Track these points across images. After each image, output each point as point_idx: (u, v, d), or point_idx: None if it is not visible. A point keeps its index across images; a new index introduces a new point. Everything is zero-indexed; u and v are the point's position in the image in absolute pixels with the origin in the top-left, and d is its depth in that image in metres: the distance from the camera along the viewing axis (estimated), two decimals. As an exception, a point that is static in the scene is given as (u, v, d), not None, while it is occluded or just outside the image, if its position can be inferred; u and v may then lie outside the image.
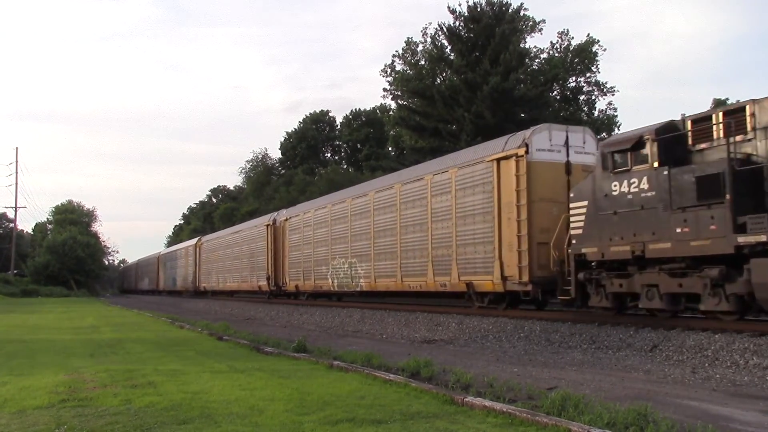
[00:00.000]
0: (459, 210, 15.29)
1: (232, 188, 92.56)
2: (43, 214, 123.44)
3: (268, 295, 29.41)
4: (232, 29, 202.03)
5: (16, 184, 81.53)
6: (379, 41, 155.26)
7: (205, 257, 41.27)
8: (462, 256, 15.22)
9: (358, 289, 20.17)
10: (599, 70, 47.00)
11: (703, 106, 66.01)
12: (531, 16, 44.17)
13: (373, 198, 19.55)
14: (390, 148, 53.87)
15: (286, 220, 27.10)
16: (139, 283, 72.74)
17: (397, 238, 17.89)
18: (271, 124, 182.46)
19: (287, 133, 72.10)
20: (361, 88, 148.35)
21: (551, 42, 48.06)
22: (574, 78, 46.55)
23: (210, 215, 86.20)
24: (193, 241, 46.79)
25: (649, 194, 10.43)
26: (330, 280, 22.27)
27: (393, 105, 49.47)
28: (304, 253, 24.70)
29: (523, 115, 35.40)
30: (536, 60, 43.56)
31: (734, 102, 10.88)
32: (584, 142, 14.10)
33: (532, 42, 50.46)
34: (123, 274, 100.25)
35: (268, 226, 29.06)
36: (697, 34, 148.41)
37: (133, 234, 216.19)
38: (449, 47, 40.39)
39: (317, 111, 73.46)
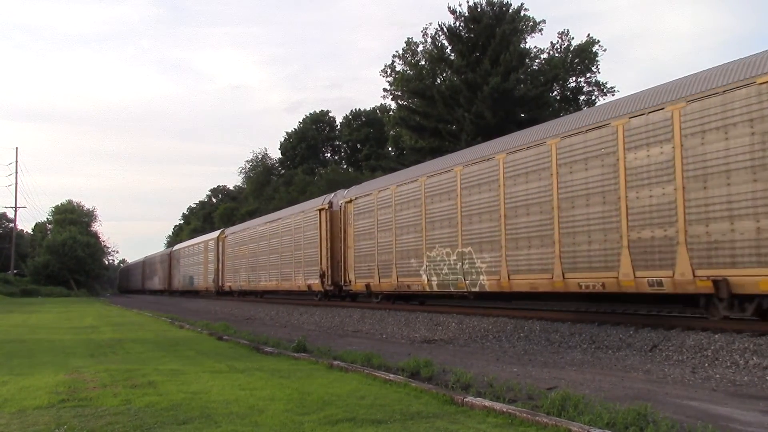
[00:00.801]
0: (692, 164, 9.99)
1: (232, 188, 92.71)
2: (43, 214, 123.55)
3: (319, 296, 24.29)
4: (232, 29, 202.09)
5: (16, 184, 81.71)
6: (380, 41, 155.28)
7: (230, 252, 35.73)
8: (698, 237, 9.91)
9: (477, 289, 14.87)
10: (599, 71, 47.13)
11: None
12: (531, 16, 44.34)
13: (503, 162, 13.99)
14: (390, 148, 53.88)
15: (350, 201, 21.18)
16: (147, 282, 67.29)
17: (553, 215, 12.60)
18: (271, 125, 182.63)
19: (287, 133, 72.25)
20: (362, 88, 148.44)
21: (551, 42, 48.17)
22: (574, 78, 46.61)
23: (210, 215, 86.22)
24: (215, 233, 40.60)
25: None
26: (424, 277, 16.80)
27: (393, 105, 49.52)
28: (380, 243, 19.14)
29: (523, 115, 35.41)
30: (536, 60, 43.61)
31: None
32: None
33: (532, 42, 50.71)
34: (125, 274, 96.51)
35: (322, 210, 23.30)
36: (698, 34, 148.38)
37: (133, 234, 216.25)
38: (449, 47, 40.40)
39: (317, 111, 73.60)
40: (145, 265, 70.30)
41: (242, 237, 33.87)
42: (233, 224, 49.18)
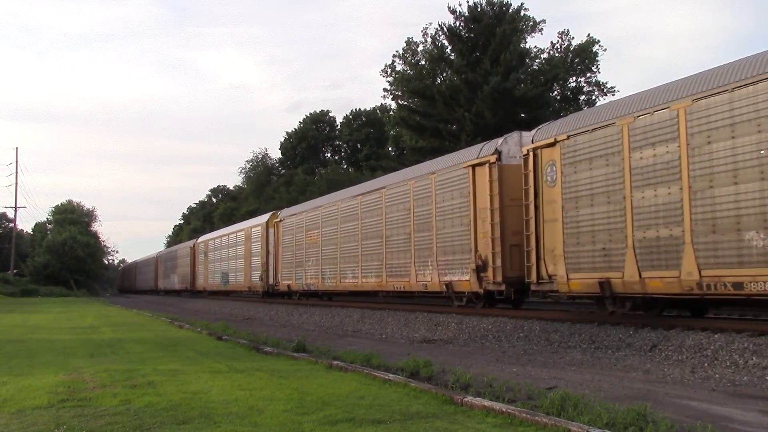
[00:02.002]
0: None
1: (232, 188, 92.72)
2: (43, 214, 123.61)
3: (467, 300, 15.40)
4: (233, 29, 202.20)
5: (16, 184, 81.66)
6: (381, 41, 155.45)
7: (288, 240, 26.44)
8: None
9: None
10: (599, 70, 47.12)
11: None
12: (531, 16, 44.27)
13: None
14: (390, 148, 53.89)
15: (560, 141, 12.31)
16: (163, 281, 57.36)
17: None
18: (271, 124, 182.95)
19: (287, 133, 72.26)
20: (362, 88, 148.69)
21: (551, 42, 48.11)
22: (574, 78, 46.63)
23: (210, 215, 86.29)
24: (262, 218, 31.40)
25: None
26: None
27: (393, 105, 49.52)
28: (583, 214, 11.72)
29: (523, 115, 35.42)
30: (536, 60, 43.61)
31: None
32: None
33: (532, 42, 50.59)
34: (126, 273, 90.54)
35: (479, 166, 14.68)
36: (699, 34, 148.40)
37: (133, 234, 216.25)
38: (450, 47, 40.40)
39: (317, 111, 73.59)
40: (160, 261, 60.18)
41: (310, 219, 24.41)
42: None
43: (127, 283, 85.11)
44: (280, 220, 27.72)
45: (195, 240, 48.01)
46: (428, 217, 16.46)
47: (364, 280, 19.90)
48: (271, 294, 28.96)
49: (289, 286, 26.30)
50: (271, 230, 28.67)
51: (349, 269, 21.01)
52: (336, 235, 21.96)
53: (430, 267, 16.33)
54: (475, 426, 5.03)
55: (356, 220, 20.55)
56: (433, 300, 18.88)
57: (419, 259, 16.86)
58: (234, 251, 34.76)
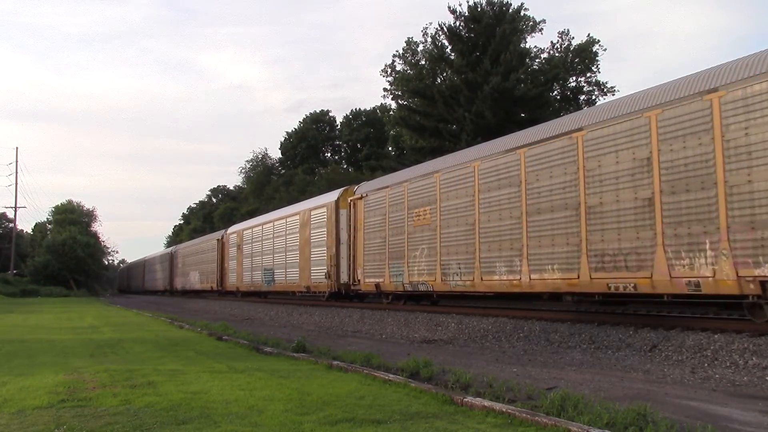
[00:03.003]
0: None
1: (232, 188, 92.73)
2: (43, 214, 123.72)
3: None
4: (234, 29, 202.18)
5: (16, 184, 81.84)
6: (382, 41, 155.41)
7: (373, 225, 19.36)
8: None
9: None
10: (599, 70, 47.14)
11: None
12: (531, 16, 44.31)
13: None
14: (390, 148, 53.89)
15: None
16: (180, 279, 49.19)
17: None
18: (272, 124, 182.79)
19: (287, 133, 72.31)
20: (363, 88, 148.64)
21: (551, 42, 48.15)
22: (574, 78, 46.63)
23: (210, 215, 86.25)
24: (328, 197, 23.66)
25: None
26: None
27: (393, 105, 49.51)
28: None
29: (523, 114, 35.42)
30: (537, 60, 43.60)
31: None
32: None
33: (532, 42, 50.74)
34: (134, 271, 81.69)
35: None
36: (699, 34, 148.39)
37: (133, 234, 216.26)
38: (450, 47, 40.39)
39: (317, 111, 73.59)
40: (177, 257, 51.51)
41: (415, 191, 17.28)
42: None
43: (135, 283, 75.31)
44: (360, 197, 20.30)
45: (223, 231, 39.48)
46: (706, 159, 9.63)
47: (534, 276, 12.77)
48: (343, 296, 22.45)
49: (378, 285, 18.89)
50: (344, 212, 21.67)
51: (500, 260, 13.86)
52: (471, 211, 14.86)
53: (713, 251, 9.41)
54: (475, 426, 5.03)
55: (516, 185, 13.46)
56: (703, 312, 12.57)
57: (677, 239, 9.97)
58: (282, 242, 27.29)
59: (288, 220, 27.29)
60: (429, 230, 16.48)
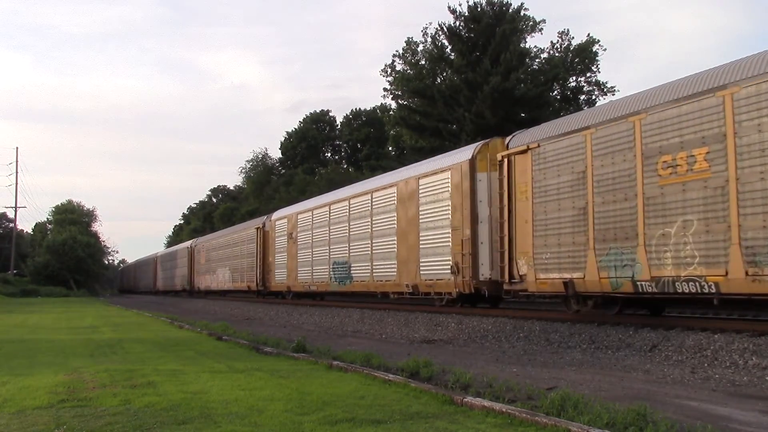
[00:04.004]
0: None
1: (232, 188, 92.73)
2: (43, 214, 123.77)
3: None
4: (235, 29, 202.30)
5: (16, 184, 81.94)
6: (382, 41, 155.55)
7: (557, 186, 12.50)
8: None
9: None
10: (599, 70, 47.14)
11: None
12: (531, 16, 44.30)
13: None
14: (390, 148, 53.92)
15: None
16: (202, 278, 41.57)
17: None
18: (272, 124, 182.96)
19: (287, 132, 72.31)
20: (364, 87, 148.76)
21: (551, 42, 48.20)
22: (574, 78, 46.63)
23: (210, 215, 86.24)
24: (454, 157, 16.42)
25: None
26: None
27: (393, 105, 49.53)
28: None
29: (523, 114, 35.43)
30: (536, 60, 43.62)
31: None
32: None
33: (532, 42, 50.67)
34: (141, 269, 77.48)
35: None
36: (700, 34, 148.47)
37: (133, 234, 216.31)
38: (449, 47, 40.42)
39: (317, 111, 73.58)
40: (198, 252, 43.63)
41: (661, 128, 10.46)
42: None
43: (144, 282, 67.74)
44: (524, 150, 13.49)
45: (265, 218, 31.56)
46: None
47: None
48: (486, 299, 15.79)
49: (568, 283, 12.07)
50: (483, 176, 15.02)
51: None
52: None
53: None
54: (475, 426, 5.03)
55: None
56: None
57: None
58: (365, 226, 19.93)
59: (374, 195, 19.60)
60: (705, 188, 9.69)
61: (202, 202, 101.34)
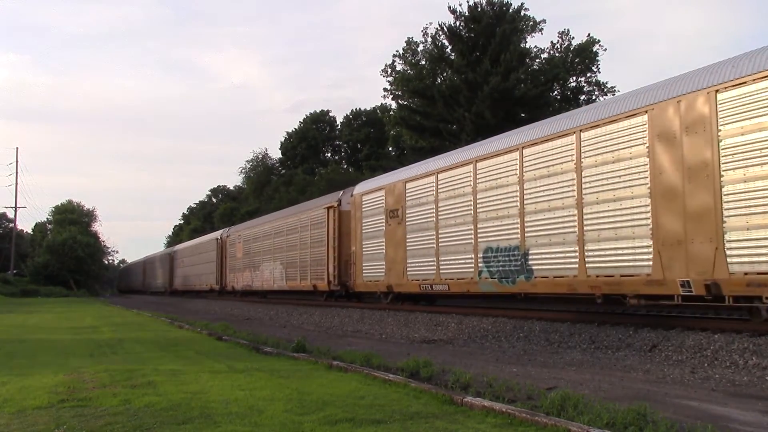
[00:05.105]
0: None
1: (232, 188, 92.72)
2: (43, 214, 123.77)
3: None
4: (235, 29, 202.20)
5: (16, 184, 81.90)
6: (382, 41, 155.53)
7: None
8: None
9: None
10: (600, 70, 47.10)
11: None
12: (531, 16, 44.24)
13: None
14: (390, 148, 53.91)
15: None
16: (237, 276, 34.06)
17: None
18: (273, 125, 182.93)
19: (287, 133, 72.29)
20: (364, 88, 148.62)
21: (552, 42, 48.06)
22: (574, 78, 46.59)
23: (210, 215, 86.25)
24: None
25: None
26: None
27: (393, 105, 49.50)
28: None
29: (523, 114, 35.42)
30: (537, 60, 43.57)
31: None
32: None
33: (532, 42, 50.62)
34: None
35: None
36: (701, 34, 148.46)
37: (133, 234, 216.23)
38: (450, 47, 40.39)
39: (317, 111, 73.59)
40: (230, 244, 36.13)
41: None
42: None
43: (156, 281, 59.00)
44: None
45: (338, 194, 23.24)
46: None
47: None
48: None
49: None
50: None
51: None
52: None
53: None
54: (475, 426, 5.03)
55: None
56: None
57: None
58: (565, 187, 12.37)
59: (584, 136, 12.00)
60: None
61: (202, 202, 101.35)
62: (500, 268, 13.94)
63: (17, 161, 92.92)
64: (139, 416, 5.44)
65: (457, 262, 15.39)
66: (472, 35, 37.82)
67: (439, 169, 16.46)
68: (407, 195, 17.77)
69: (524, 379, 7.32)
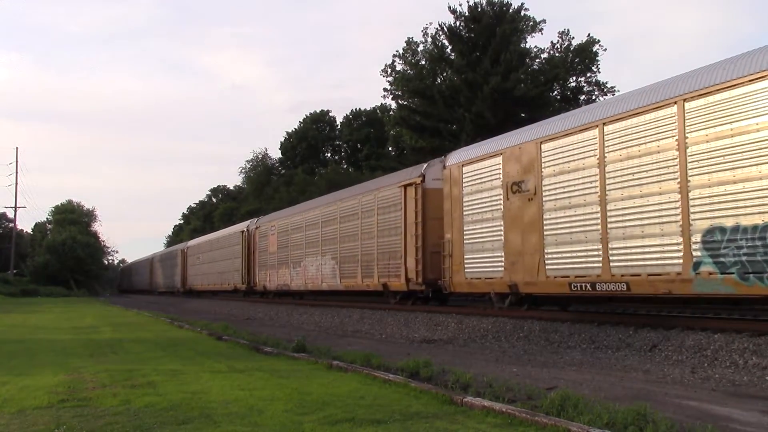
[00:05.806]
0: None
1: (232, 188, 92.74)
2: (43, 214, 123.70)
3: None
4: (236, 29, 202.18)
5: (16, 184, 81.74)
6: (382, 41, 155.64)
7: None
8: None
9: None
10: (600, 70, 47.08)
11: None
12: (531, 16, 44.24)
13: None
14: (390, 148, 53.91)
15: None
16: (269, 273, 28.57)
17: None
18: (273, 125, 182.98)
19: (287, 133, 72.28)
20: (364, 88, 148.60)
21: (552, 42, 48.07)
22: (574, 78, 46.59)
23: (210, 215, 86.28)
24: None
25: None
26: None
27: (393, 105, 49.54)
28: None
29: (523, 114, 35.42)
30: (537, 60, 43.59)
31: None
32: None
33: (532, 42, 50.59)
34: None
35: None
36: (700, 35, 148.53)
37: (133, 234, 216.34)
38: (450, 47, 40.43)
39: (317, 111, 73.59)
40: (260, 237, 30.55)
41: None
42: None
43: (168, 281, 52.42)
44: None
45: (421, 167, 17.72)
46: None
47: None
48: None
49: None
50: None
51: None
52: None
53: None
54: (475, 426, 5.03)
55: None
56: None
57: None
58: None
59: None
60: None
61: (202, 202, 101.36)
62: (742, 259, 9.00)
63: (17, 161, 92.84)
64: (139, 416, 5.44)
65: (644, 248, 10.53)
66: (472, 35, 37.86)
67: (606, 119, 11.37)
68: (544, 160, 12.83)
69: (524, 379, 7.32)
